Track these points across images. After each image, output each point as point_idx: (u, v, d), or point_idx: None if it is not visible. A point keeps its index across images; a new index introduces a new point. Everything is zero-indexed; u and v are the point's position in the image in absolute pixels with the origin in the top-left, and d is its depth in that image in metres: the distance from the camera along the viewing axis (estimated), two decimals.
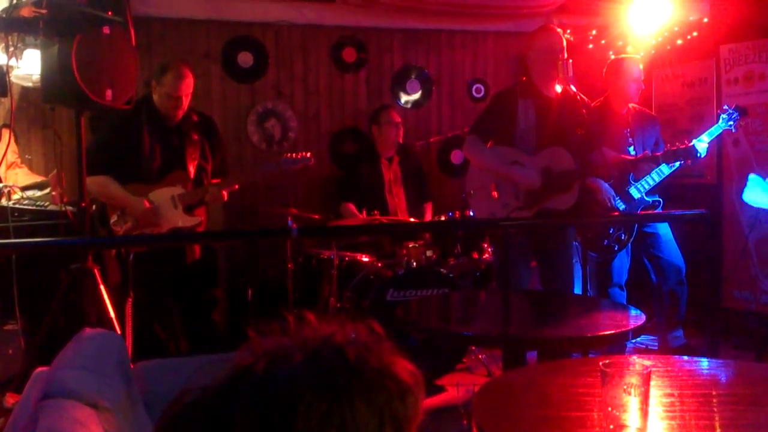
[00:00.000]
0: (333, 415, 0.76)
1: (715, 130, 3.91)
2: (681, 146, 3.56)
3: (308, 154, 3.84)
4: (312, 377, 0.78)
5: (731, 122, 3.90)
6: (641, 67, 4.20)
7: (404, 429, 0.82)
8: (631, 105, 4.22)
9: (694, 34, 4.74)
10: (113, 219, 3.53)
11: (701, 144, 3.81)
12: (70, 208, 3.38)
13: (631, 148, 4.13)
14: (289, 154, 3.85)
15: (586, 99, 3.52)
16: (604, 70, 4.27)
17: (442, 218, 4.50)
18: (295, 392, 0.76)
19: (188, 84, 3.59)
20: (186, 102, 3.62)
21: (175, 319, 3.78)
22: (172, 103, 3.56)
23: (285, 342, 0.82)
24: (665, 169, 4.00)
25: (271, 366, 0.78)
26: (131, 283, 3.32)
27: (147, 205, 3.51)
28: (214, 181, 3.75)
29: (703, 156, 3.82)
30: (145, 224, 3.52)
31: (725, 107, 3.96)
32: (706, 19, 4.75)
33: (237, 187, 3.76)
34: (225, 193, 3.68)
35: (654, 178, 4.05)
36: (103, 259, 3.53)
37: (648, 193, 4.10)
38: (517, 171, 3.43)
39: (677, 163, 3.91)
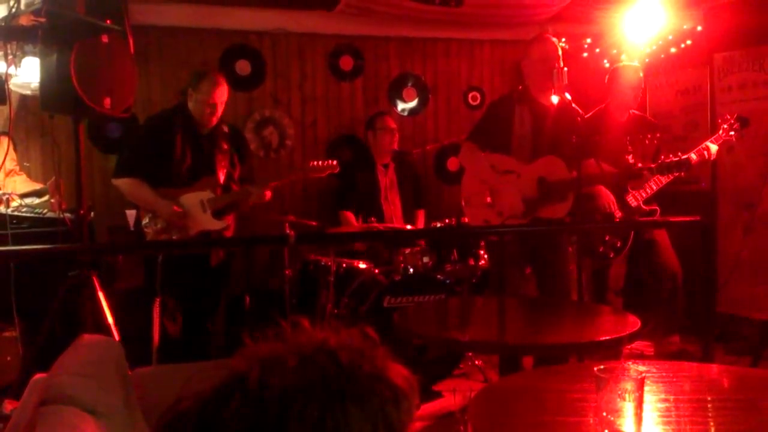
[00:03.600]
0: (326, 420, 0.77)
1: (716, 139, 3.92)
2: (675, 158, 3.57)
3: (334, 162, 3.95)
4: (305, 382, 0.78)
5: (732, 132, 3.91)
6: (641, 74, 4.22)
7: None
8: (632, 111, 4.23)
9: (688, 42, 4.75)
10: (145, 221, 3.67)
11: (712, 145, 3.84)
12: (68, 215, 3.38)
13: (630, 157, 4.13)
14: (315, 162, 3.96)
15: (578, 109, 3.54)
16: (606, 77, 4.28)
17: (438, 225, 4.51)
18: (287, 398, 0.77)
19: (222, 91, 3.73)
20: (221, 109, 3.75)
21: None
22: (207, 109, 3.70)
23: (279, 348, 0.82)
24: (662, 179, 4.01)
25: (265, 372, 0.79)
26: (158, 285, 3.39)
27: (176, 208, 3.61)
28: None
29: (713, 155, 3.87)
30: (174, 226, 3.63)
31: (727, 117, 3.97)
32: (700, 28, 4.77)
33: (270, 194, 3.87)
34: (269, 193, 3.84)
35: (651, 186, 4.06)
36: (110, 264, 3.58)
37: (645, 201, 4.11)
38: (512, 181, 3.45)
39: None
